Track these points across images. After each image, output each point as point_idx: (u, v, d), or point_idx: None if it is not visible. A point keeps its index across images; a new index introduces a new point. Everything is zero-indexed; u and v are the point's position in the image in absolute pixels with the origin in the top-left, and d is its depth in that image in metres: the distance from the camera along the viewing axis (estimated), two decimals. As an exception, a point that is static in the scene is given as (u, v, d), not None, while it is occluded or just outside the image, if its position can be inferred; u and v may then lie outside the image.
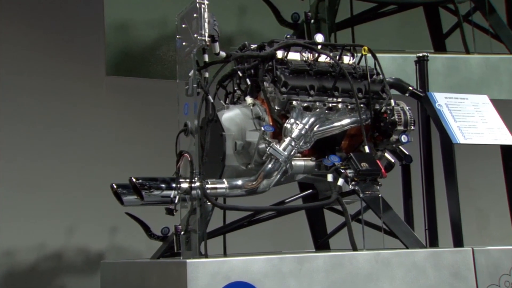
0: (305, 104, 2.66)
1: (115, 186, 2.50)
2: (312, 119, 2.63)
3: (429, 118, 2.92)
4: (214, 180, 2.48)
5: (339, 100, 2.73)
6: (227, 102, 2.83)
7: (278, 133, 2.62)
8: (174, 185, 2.42)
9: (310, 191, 2.90)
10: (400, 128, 2.71)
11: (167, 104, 2.69)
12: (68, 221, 3.54)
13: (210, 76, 2.50)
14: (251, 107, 2.63)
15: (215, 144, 2.57)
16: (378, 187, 2.58)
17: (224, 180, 2.49)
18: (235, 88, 2.83)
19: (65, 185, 3.57)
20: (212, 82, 2.52)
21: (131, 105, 3.83)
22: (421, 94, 2.93)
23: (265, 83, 2.68)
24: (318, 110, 2.68)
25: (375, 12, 4.18)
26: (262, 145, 2.56)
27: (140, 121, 3.83)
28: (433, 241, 2.85)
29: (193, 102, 2.42)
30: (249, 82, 2.71)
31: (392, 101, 2.76)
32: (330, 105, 2.71)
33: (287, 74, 2.65)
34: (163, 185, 2.45)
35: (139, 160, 3.71)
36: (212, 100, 2.47)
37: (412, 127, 2.72)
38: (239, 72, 2.73)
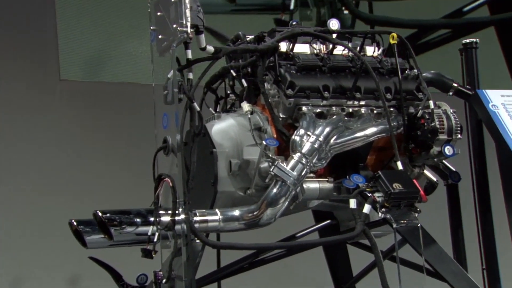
0: (318, 110, 2.70)
1: (75, 223, 2.51)
2: (327, 129, 2.65)
3: (481, 123, 2.97)
4: (204, 211, 2.52)
5: (362, 103, 2.76)
6: (218, 110, 2.87)
7: (285, 148, 2.65)
8: (152, 218, 2.46)
9: (328, 221, 2.94)
10: (443, 137, 2.75)
11: (140, 114, 2.79)
12: (12, 270, 3.48)
13: (196, 78, 2.56)
14: (249, 116, 2.66)
15: (204, 164, 2.59)
16: (417, 215, 2.60)
17: (216, 210, 2.53)
18: (228, 92, 2.88)
19: (10, 220, 3.53)
20: (198, 85, 2.56)
21: (92, 115, 3.88)
22: (470, 92, 2.96)
23: (266, 84, 2.72)
24: (335, 117, 2.72)
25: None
26: (265, 164, 2.58)
27: (106, 135, 3.86)
28: (493, 285, 2.88)
29: (174, 112, 2.46)
30: (245, 84, 2.75)
31: (431, 102, 2.79)
32: (351, 110, 2.75)
33: (293, 72, 2.69)
34: (137, 220, 2.47)
35: (105, 187, 3.73)
36: (198, 109, 2.51)
37: (459, 136, 2.76)
38: (232, 71, 2.76)
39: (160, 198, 2.45)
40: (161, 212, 2.43)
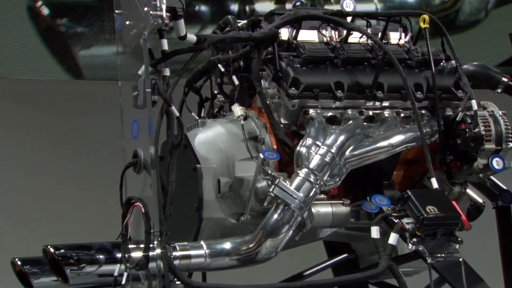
0: (330, 114, 2.72)
1: (19, 263, 2.49)
2: (342, 138, 2.66)
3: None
4: (186, 243, 2.52)
5: (385, 104, 2.77)
6: (202, 115, 2.90)
7: (288, 163, 2.66)
8: (119, 254, 2.45)
9: (345, 255, 2.96)
10: (490, 146, 2.76)
11: (100, 119, 2.79)
12: None
13: (174, 75, 2.57)
14: (242, 122, 2.67)
15: (185, 184, 2.61)
16: (458, 246, 2.60)
17: (202, 243, 2.53)
18: (215, 92, 2.90)
19: None
20: (176, 84, 2.56)
21: (33, 120, 4.17)
22: (525, 89, 2.98)
23: (263, 81, 2.73)
24: (351, 122, 2.72)
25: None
26: (263, 183, 2.60)
27: (54, 146, 4.12)
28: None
29: (147, 118, 2.46)
30: (236, 82, 2.77)
31: (475, 102, 2.80)
32: (371, 113, 2.77)
33: (298, 65, 2.70)
34: (100, 256, 2.47)
35: (57, 214, 3.82)
36: (177, 113, 2.50)
37: (510, 144, 2.78)
38: (220, 65, 2.79)
39: (130, 228, 2.45)
40: (130, 246, 2.42)
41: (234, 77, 2.77)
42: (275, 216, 2.55)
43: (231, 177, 2.62)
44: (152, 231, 2.39)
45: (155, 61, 2.49)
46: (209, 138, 2.67)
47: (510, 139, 2.78)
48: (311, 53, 2.71)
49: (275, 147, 2.67)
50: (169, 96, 2.48)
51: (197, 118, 2.82)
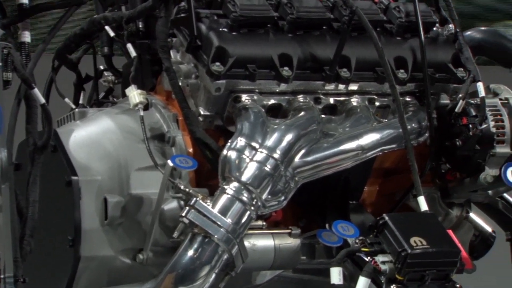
0: (272, 102, 2.69)
1: None
2: (289, 137, 2.63)
3: None
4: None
5: (353, 88, 2.76)
6: (81, 101, 2.88)
7: (210, 174, 2.66)
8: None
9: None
10: (504, 150, 2.76)
11: None
12: None
13: (38, 42, 2.56)
14: (141, 113, 2.65)
15: (56, 206, 2.61)
16: (456, 294, 2.51)
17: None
18: (101, 68, 2.88)
19: None
20: (41, 55, 2.55)
21: None
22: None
23: (172, 52, 2.72)
24: (303, 113, 2.69)
25: None
26: (172, 204, 2.59)
27: None
28: None
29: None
30: (133, 53, 2.74)
31: (481, 85, 2.78)
32: (332, 100, 2.76)
33: (225, 30, 2.69)
34: None
35: None
36: (43, 100, 2.47)
37: None
38: (107, 27, 2.78)
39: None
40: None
41: (129, 46, 2.74)
42: (190, 252, 2.50)
43: (125, 194, 2.59)
44: (3, 276, 2.34)
45: (8, 20, 2.47)
46: (91, 136, 2.64)
47: None
48: (244, 11, 2.67)
49: (190, 150, 2.65)
50: (30, 73, 2.46)
51: (73, 106, 2.79)
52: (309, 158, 2.62)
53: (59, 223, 2.57)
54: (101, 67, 2.89)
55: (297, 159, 2.60)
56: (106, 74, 2.89)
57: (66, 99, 2.83)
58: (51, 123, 2.48)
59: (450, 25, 2.85)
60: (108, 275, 2.57)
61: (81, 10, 2.71)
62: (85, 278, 2.55)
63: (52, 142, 2.53)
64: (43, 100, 2.44)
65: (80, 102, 2.86)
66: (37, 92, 2.42)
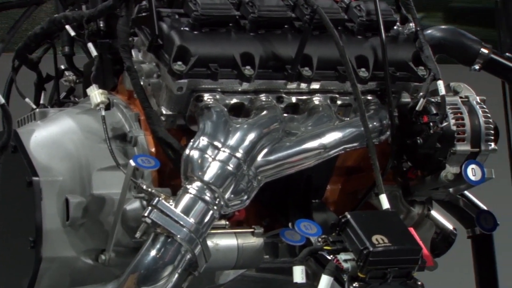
0: (235, 101, 2.71)
1: None
2: (251, 136, 2.64)
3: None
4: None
5: (315, 86, 2.76)
6: (42, 101, 2.87)
7: (173, 173, 2.65)
8: None
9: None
10: (464, 147, 2.77)
11: None
12: None
13: None
14: (102, 112, 2.64)
15: (16, 207, 2.62)
16: (416, 292, 2.55)
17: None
18: (61, 68, 2.88)
19: None
20: (1, 54, 2.58)
21: None
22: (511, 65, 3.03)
23: (134, 52, 2.72)
24: (265, 112, 2.70)
25: None
26: (134, 204, 2.58)
27: None
28: None
29: None
30: (94, 52, 2.73)
31: (442, 83, 2.78)
32: (294, 99, 2.76)
33: (187, 29, 2.69)
34: None
35: None
36: (2, 100, 2.48)
37: (492, 145, 2.79)
38: (68, 27, 2.76)
39: None
40: None
41: (90, 45, 2.73)
42: (153, 252, 2.50)
43: (86, 195, 2.58)
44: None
45: None
46: (52, 137, 2.63)
47: (492, 138, 2.78)
48: (206, 10, 2.67)
49: (153, 150, 2.65)
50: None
51: (34, 106, 2.78)
52: (272, 157, 2.63)
53: (20, 224, 2.57)
54: (62, 67, 2.88)
55: (259, 158, 2.62)
56: (67, 74, 2.88)
57: (27, 99, 2.83)
58: (11, 123, 2.49)
59: (411, 24, 2.86)
60: (70, 276, 2.57)
61: (41, 9, 2.63)
62: (47, 279, 2.54)
63: (12, 143, 2.54)
64: (2, 100, 2.47)
65: (41, 102, 2.86)
66: None
